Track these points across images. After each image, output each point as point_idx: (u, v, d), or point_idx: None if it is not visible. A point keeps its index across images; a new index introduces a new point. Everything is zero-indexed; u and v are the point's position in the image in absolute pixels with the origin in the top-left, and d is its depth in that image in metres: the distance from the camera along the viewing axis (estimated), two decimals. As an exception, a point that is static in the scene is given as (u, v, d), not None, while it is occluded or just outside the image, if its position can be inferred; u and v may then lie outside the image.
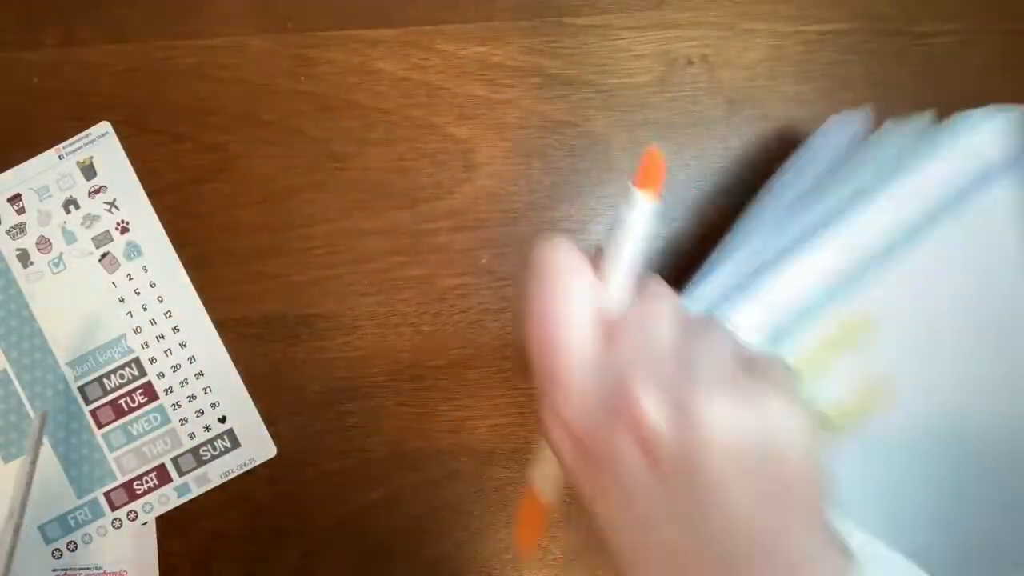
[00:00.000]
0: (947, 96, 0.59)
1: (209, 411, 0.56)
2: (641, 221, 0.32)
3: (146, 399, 0.56)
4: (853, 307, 0.41)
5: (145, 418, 0.56)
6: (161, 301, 0.56)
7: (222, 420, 0.56)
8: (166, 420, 0.56)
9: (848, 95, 0.59)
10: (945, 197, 0.44)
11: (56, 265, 0.55)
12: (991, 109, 0.41)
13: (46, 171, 0.56)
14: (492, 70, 0.58)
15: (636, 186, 0.32)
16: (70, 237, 0.55)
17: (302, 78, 0.57)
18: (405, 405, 0.57)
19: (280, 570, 0.57)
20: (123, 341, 0.56)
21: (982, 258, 0.43)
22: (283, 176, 0.57)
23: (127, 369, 0.56)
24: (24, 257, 0.55)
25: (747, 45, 0.59)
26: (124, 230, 0.56)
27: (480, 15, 0.58)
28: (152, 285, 0.56)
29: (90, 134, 0.56)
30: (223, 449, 0.56)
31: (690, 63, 0.59)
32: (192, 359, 0.56)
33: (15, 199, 0.56)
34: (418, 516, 0.57)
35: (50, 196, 0.56)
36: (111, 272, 0.56)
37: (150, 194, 0.57)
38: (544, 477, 0.35)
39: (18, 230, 0.55)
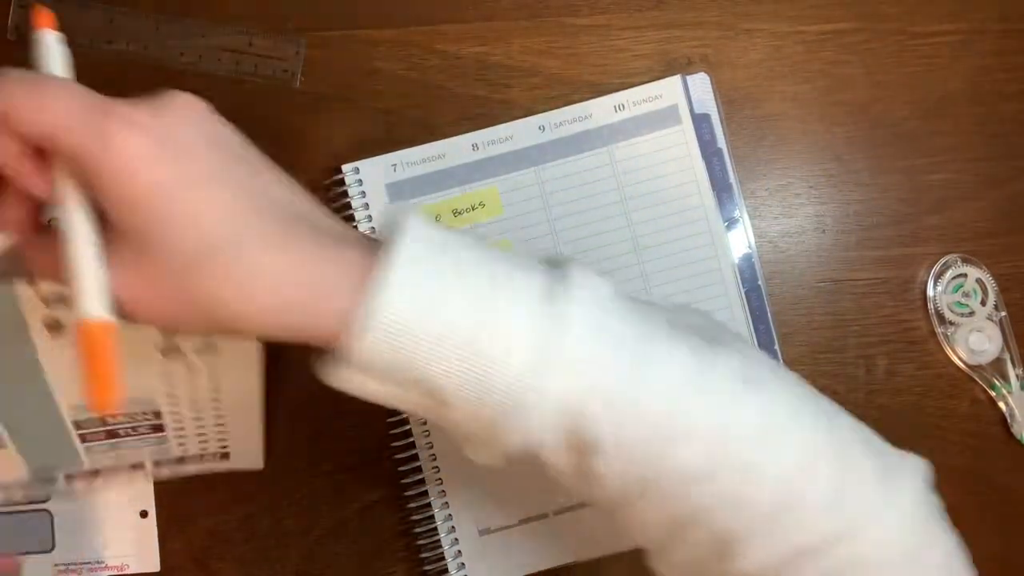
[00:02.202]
0: (947, 96, 0.60)
1: (214, 447, 0.55)
2: (52, 46, 0.37)
3: (150, 432, 0.54)
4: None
5: (140, 441, 0.54)
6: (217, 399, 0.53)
7: (223, 446, 0.55)
8: (163, 442, 0.54)
9: (848, 95, 0.59)
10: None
11: None
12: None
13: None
14: (492, 70, 0.58)
15: (37, 28, 0.37)
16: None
17: (302, 78, 0.57)
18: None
19: (280, 570, 0.57)
20: (153, 399, 0.52)
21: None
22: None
23: (143, 417, 0.53)
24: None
25: (747, 45, 0.59)
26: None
27: (480, 15, 0.58)
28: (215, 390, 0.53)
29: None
30: (214, 459, 0.56)
31: (690, 63, 0.59)
32: (222, 426, 0.54)
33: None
34: (418, 516, 0.57)
35: None
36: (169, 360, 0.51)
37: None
38: (85, 290, 0.35)
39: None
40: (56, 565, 0.57)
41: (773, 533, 0.37)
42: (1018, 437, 0.58)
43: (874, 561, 0.38)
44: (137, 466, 0.55)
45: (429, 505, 0.57)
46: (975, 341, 0.58)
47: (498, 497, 0.57)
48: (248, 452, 0.56)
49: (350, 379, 0.37)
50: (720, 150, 0.58)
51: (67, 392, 0.46)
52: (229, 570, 0.57)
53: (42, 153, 0.35)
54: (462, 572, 0.56)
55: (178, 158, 0.35)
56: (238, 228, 0.35)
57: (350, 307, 0.35)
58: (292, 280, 0.35)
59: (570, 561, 0.57)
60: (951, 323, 0.59)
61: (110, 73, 0.57)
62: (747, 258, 0.58)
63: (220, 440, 0.55)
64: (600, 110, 0.57)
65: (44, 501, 0.56)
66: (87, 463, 0.54)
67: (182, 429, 0.54)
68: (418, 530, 0.57)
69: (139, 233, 0.35)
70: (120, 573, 0.57)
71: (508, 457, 0.38)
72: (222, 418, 0.54)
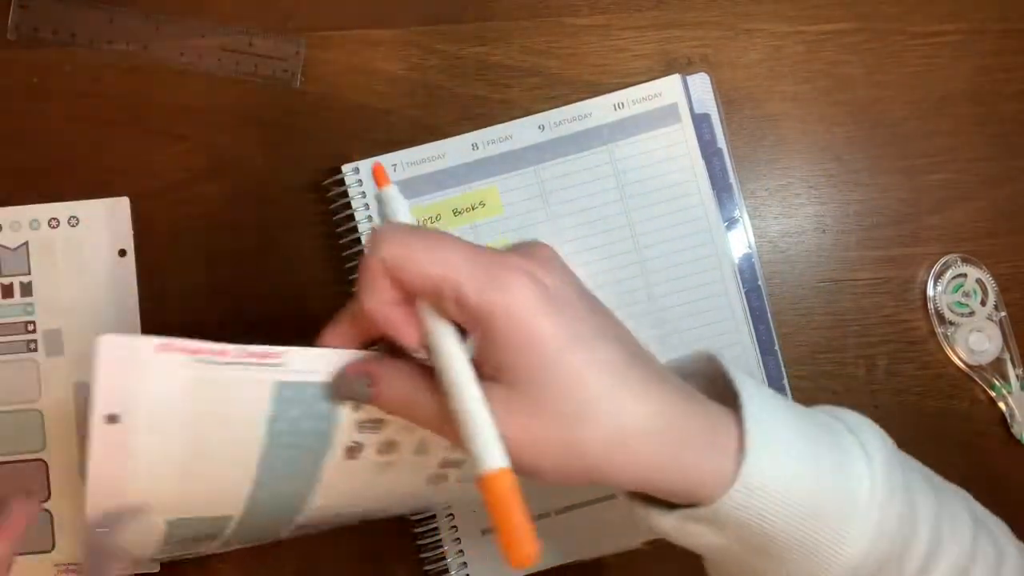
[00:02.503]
0: (947, 96, 0.60)
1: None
2: (399, 199, 0.40)
3: None
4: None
5: None
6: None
7: None
8: None
9: (848, 95, 0.59)
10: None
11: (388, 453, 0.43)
12: None
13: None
14: (492, 70, 0.58)
15: (380, 187, 0.40)
16: (422, 448, 0.43)
17: (302, 78, 0.57)
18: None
19: (280, 570, 0.57)
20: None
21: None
22: (283, 176, 0.57)
23: None
24: (358, 451, 0.42)
25: (747, 45, 0.59)
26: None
27: (480, 15, 0.58)
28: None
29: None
30: None
31: (690, 63, 0.59)
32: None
33: None
34: (418, 517, 0.57)
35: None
36: (435, 484, 0.46)
37: (148, 195, 0.57)
38: (485, 443, 0.35)
39: None
40: (56, 565, 0.57)
41: None
42: (1018, 437, 0.58)
43: None
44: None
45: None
46: (975, 341, 0.58)
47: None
48: None
49: (690, 530, 0.38)
50: (720, 150, 0.58)
51: (316, 505, 0.44)
52: (229, 570, 0.57)
53: (409, 302, 0.36)
54: (464, 572, 0.56)
55: (564, 311, 0.35)
56: (616, 382, 0.36)
57: (719, 467, 0.36)
58: (665, 433, 0.36)
59: (571, 560, 0.57)
60: (951, 323, 0.59)
61: (110, 73, 0.57)
62: (747, 258, 0.58)
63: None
64: (600, 109, 0.57)
65: (44, 501, 0.56)
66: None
67: None
68: (419, 530, 0.57)
69: (527, 383, 0.35)
70: (120, 573, 0.57)
71: None
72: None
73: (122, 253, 0.57)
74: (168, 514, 0.42)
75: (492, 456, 0.34)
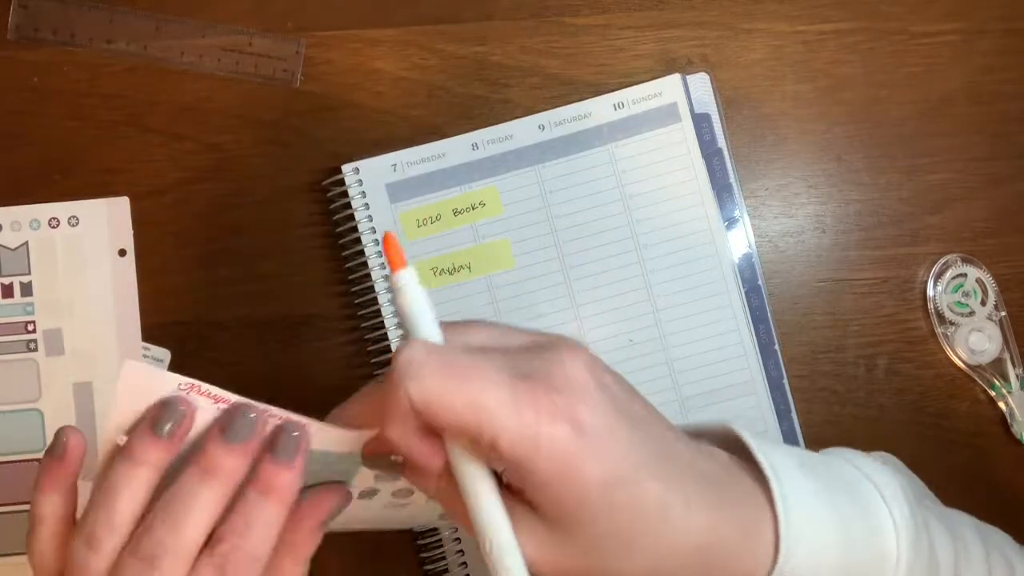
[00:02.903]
0: (947, 96, 0.60)
1: None
2: (414, 287, 0.36)
3: None
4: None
5: None
6: None
7: None
8: None
9: (848, 95, 0.59)
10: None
11: (402, 498, 0.44)
12: None
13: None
14: (492, 70, 0.58)
15: (393, 271, 0.36)
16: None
17: (302, 78, 0.57)
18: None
19: (280, 570, 0.57)
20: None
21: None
22: (283, 176, 0.57)
23: None
24: (373, 495, 0.43)
25: (747, 45, 0.59)
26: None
27: (480, 15, 0.58)
28: None
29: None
30: None
31: (690, 63, 0.59)
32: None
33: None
34: (418, 516, 0.57)
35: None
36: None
37: (148, 195, 0.57)
38: (510, 568, 0.34)
39: None
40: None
41: None
42: (1018, 437, 0.58)
43: None
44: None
45: (429, 505, 0.57)
46: (975, 341, 0.58)
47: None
48: None
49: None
50: (720, 150, 0.58)
51: None
52: (229, 570, 0.57)
53: (435, 433, 0.35)
54: (464, 572, 0.56)
55: (604, 450, 0.34)
56: (660, 516, 0.34)
57: (757, 564, 0.36)
58: (705, 552, 0.35)
59: None
60: (951, 323, 0.59)
61: (110, 73, 0.57)
62: (747, 258, 0.58)
63: None
64: (600, 109, 0.57)
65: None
66: None
67: None
68: (419, 530, 0.57)
69: (567, 522, 0.34)
70: None
71: None
72: None
73: (122, 253, 0.57)
74: None
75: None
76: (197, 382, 0.36)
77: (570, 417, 0.33)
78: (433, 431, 0.34)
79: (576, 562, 0.35)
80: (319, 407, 0.57)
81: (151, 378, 0.36)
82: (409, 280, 0.36)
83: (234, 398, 0.36)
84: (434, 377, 0.33)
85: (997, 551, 0.43)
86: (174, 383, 0.35)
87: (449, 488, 0.35)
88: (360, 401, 0.39)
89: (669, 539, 0.35)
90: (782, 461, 0.38)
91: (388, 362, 0.56)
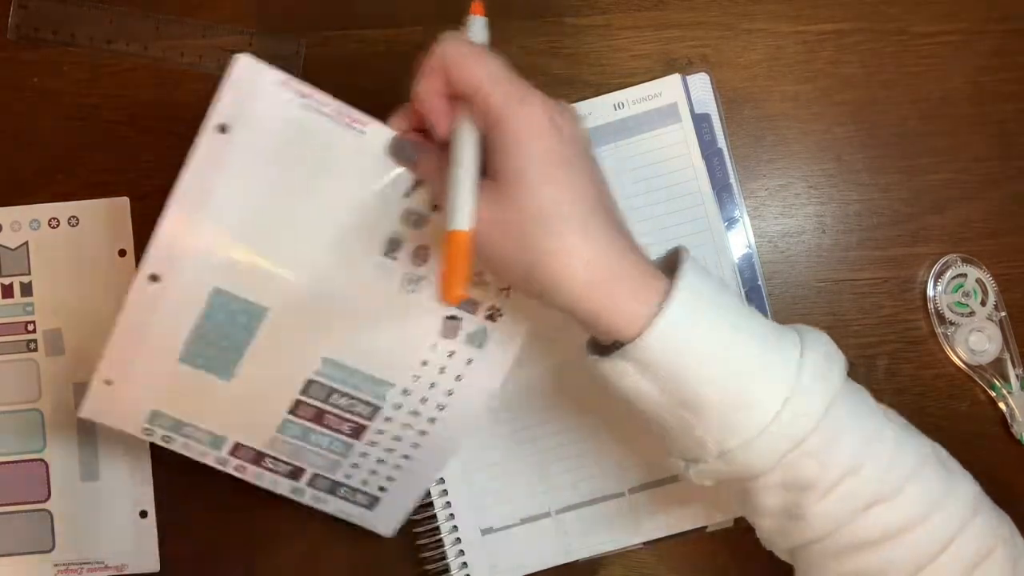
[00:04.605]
0: (947, 96, 0.60)
1: (381, 479, 0.54)
2: (482, 29, 0.47)
3: (349, 433, 0.53)
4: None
5: (330, 439, 0.53)
6: (449, 395, 0.52)
7: (381, 489, 0.55)
8: (343, 454, 0.53)
9: (848, 95, 0.59)
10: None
11: (411, 283, 0.50)
12: None
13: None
14: (492, 70, 0.58)
15: (472, 12, 0.47)
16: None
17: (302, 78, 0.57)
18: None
19: (280, 570, 0.57)
20: (387, 388, 0.52)
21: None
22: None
23: (362, 405, 0.52)
24: (396, 248, 0.49)
25: (747, 45, 0.59)
26: (492, 317, 0.51)
27: (480, 15, 0.58)
28: (458, 378, 0.52)
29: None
30: (359, 503, 0.55)
31: (690, 63, 0.59)
32: (416, 446, 0.53)
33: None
34: (418, 517, 0.57)
35: None
36: (444, 336, 0.51)
37: (149, 195, 0.57)
38: (459, 208, 0.42)
39: (415, 218, 0.50)
40: (56, 565, 0.57)
41: None
42: (1018, 437, 0.58)
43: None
44: (294, 474, 0.54)
45: (431, 504, 0.57)
46: (975, 341, 0.58)
47: (500, 496, 0.57)
48: (396, 510, 0.55)
49: (623, 370, 0.43)
50: (720, 150, 0.58)
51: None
52: (229, 570, 0.57)
53: (451, 98, 0.44)
54: (464, 572, 0.56)
55: (565, 146, 0.43)
56: (581, 211, 0.42)
57: (645, 308, 0.42)
58: (606, 266, 0.42)
59: (572, 560, 0.57)
60: (951, 323, 0.59)
61: (110, 73, 0.57)
62: (747, 258, 0.58)
63: (389, 477, 0.54)
64: (600, 109, 0.57)
65: (44, 501, 0.57)
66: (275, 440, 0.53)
67: (374, 444, 0.53)
68: (419, 530, 0.57)
69: (509, 183, 0.42)
70: (120, 573, 0.57)
71: (717, 479, 0.45)
72: (418, 447, 0.54)
73: (122, 253, 0.57)
74: (218, 277, 0.47)
75: (462, 218, 0.42)
76: (291, 78, 0.46)
77: (552, 115, 0.43)
78: (449, 97, 0.44)
79: (502, 223, 0.42)
80: (319, 407, 0.57)
81: (258, 72, 0.46)
82: (481, 26, 0.47)
83: (318, 94, 0.47)
84: (466, 47, 0.44)
85: (936, 475, 0.45)
86: (276, 77, 0.46)
87: (441, 168, 0.44)
88: (402, 109, 0.47)
89: (577, 237, 0.42)
90: (703, 274, 0.44)
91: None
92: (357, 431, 0.53)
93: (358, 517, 0.55)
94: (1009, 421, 0.58)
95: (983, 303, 0.59)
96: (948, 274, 0.59)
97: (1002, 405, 0.58)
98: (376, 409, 0.52)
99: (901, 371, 0.59)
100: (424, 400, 0.52)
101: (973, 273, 0.59)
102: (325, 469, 0.54)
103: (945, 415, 0.59)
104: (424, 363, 0.52)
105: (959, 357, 0.58)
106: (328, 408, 0.52)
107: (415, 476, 0.55)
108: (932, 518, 0.44)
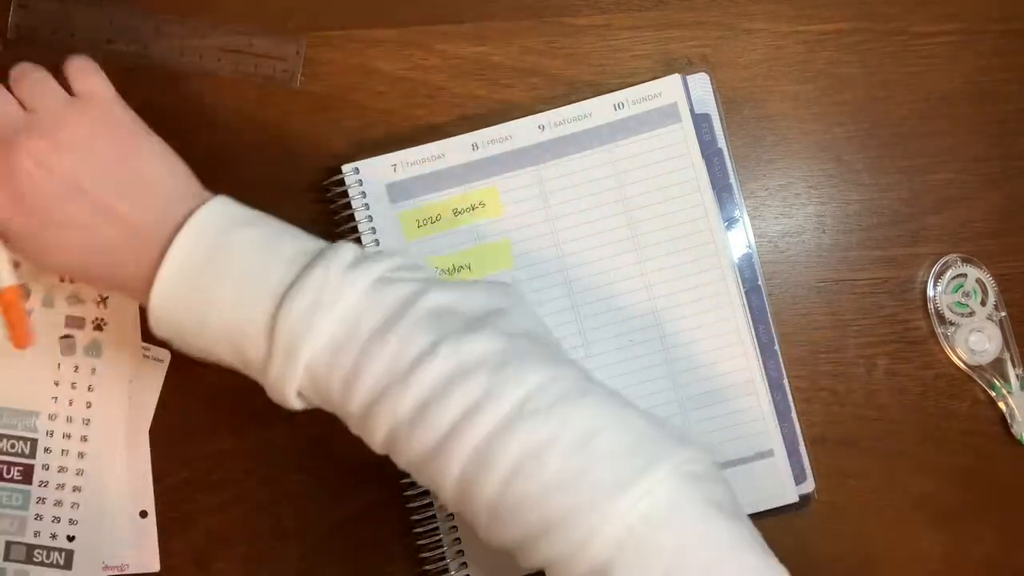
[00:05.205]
0: (947, 96, 0.60)
1: (65, 525, 0.55)
2: None
3: (20, 478, 0.54)
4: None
5: (8, 492, 0.54)
6: (89, 407, 0.55)
7: (70, 539, 0.55)
8: (24, 506, 0.54)
9: (848, 95, 0.59)
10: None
11: None
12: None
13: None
14: (492, 70, 0.58)
15: None
16: (48, 300, 0.55)
17: (302, 78, 0.57)
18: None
19: (280, 570, 0.57)
20: (34, 418, 0.54)
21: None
22: (283, 176, 0.57)
23: (20, 443, 0.54)
24: None
25: (747, 45, 0.59)
26: (99, 327, 0.55)
27: (480, 15, 0.58)
28: (90, 389, 0.55)
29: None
30: (55, 563, 0.55)
31: (690, 63, 0.59)
32: (81, 472, 0.55)
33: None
34: (418, 517, 0.57)
35: None
36: (64, 354, 0.55)
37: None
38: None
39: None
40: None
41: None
42: (1018, 437, 0.58)
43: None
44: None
45: (430, 505, 0.57)
46: (975, 341, 0.58)
47: None
48: (93, 559, 0.55)
49: (157, 328, 0.45)
50: (720, 150, 0.58)
51: None
52: (229, 570, 0.57)
53: None
54: (463, 572, 0.56)
55: (46, 183, 0.46)
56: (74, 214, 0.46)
57: (141, 275, 0.44)
58: (91, 247, 0.46)
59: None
60: (951, 323, 0.59)
61: (110, 73, 0.57)
62: (747, 258, 0.58)
63: (72, 520, 0.55)
64: (600, 109, 0.57)
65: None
66: None
67: (45, 484, 0.54)
68: (418, 530, 0.57)
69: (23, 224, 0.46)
70: (120, 573, 0.57)
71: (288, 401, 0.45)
72: (83, 474, 0.55)
73: (122, 253, 0.57)
74: None
75: (5, 277, 0.49)
76: None
77: (36, 160, 0.45)
78: None
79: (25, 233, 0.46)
80: (318, 408, 0.57)
81: None
82: None
83: None
84: None
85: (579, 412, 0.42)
86: None
87: None
88: None
89: (73, 227, 0.46)
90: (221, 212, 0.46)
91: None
92: (26, 473, 0.54)
93: None
94: (1009, 421, 0.58)
95: (983, 303, 0.59)
96: (948, 274, 0.59)
97: (1002, 405, 0.58)
98: (34, 442, 0.54)
99: (901, 371, 0.59)
100: (70, 419, 0.55)
101: (973, 273, 0.59)
102: (15, 532, 0.54)
103: (945, 415, 0.59)
104: (56, 383, 0.54)
105: (959, 357, 0.58)
106: None
107: (95, 511, 0.55)
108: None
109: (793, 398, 0.57)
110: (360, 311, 0.42)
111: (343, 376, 0.42)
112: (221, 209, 0.46)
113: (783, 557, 0.47)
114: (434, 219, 0.57)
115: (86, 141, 0.47)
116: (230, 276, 0.43)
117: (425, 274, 0.45)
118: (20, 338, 0.50)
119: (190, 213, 0.45)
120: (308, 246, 0.45)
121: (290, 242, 0.45)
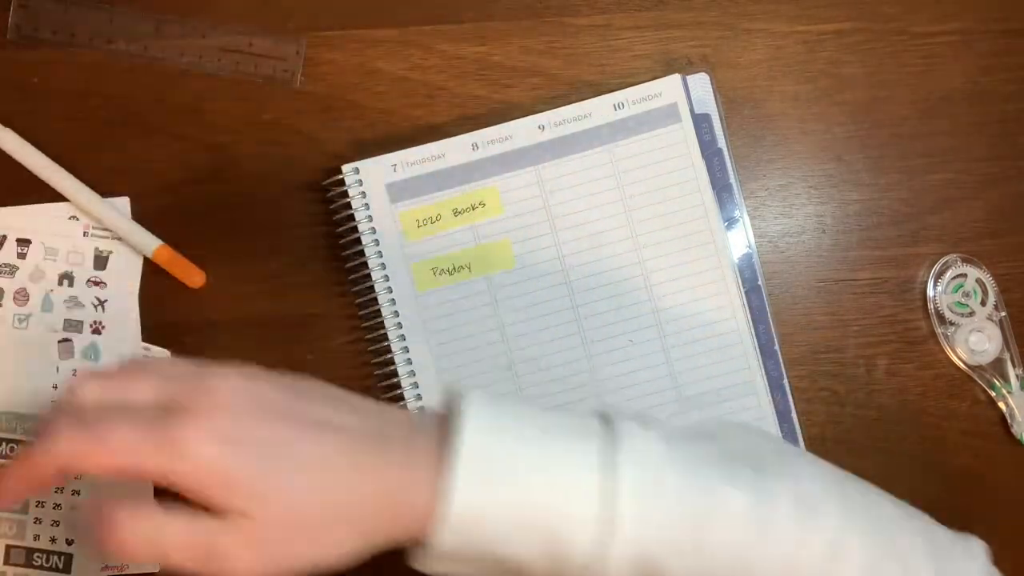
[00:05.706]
0: (947, 96, 0.60)
1: (64, 529, 0.54)
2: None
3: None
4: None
5: None
6: None
7: (68, 542, 0.55)
8: (23, 510, 0.54)
9: (848, 95, 0.59)
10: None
11: (20, 321, 0.55)
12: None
13: (67, 236, 0.56)
14: (492, 70, 0.58)
15: None
16: (47, 305, 0.55)
17: (302, 78, 0.57)
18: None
19: (280, 570, 0.57)
20: (33, 421, 0.54)
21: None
22: (283, 176, 0.57)
23: (19, 446, 0.54)
24: None
25: (747, 45, 0.59)
26: (97, 331, 0.56)
27: (480, 15, 0.58)
28: None
29: (119, 238, 0.56)
30: (54, 567, 0.55)
31: (690, 63, 0.59)
32: (79, 475, 0.53)
33: (24, 242, 0.56)
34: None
35: (55, 260, 0.56)
36: (63, 358, 0.55)
37: (148, 195, 0.57)
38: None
39: (8, 270, 0.55)
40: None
41: None
42: (1018, 437, 0.58)
43: None
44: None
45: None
46: (975, 341, 0.58)
47: None
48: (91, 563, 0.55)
49: (439, 567, 0.39)
50: (720, 150, 0.58)
51: None
52: (229, 570, 0.57)
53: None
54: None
55: (248, 449, 0.37)
56: (310, 502, 0.38)
57: (425, 508, 0.38)
58: (369, 514, 0.38)
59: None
60: (951, 323, 0.59)
61: (110, 73, 0.57)
62: (747, 258, 0.58)
63: (70, 523, 0.55)
64: (600, 109, 0.57)
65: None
66: None
67: None
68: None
69: (240, 517, 0.37)
70: (120, 573, 0.57)
71: None
72: (79, 475, 0.54)
73: (122, 253, 0.57)
74: None
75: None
76: None
77: (209, 429, 0.37)
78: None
79: (261, 552, 0.37)
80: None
81: None
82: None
83: None
84: (74, 432, 0.37)
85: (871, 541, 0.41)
86: None
87: None
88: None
89: (332, 529, 0.38)
90: (484, 410, 0.39)
91: (389, 362, 0.56)
92: None
93: None
94: (1009, 421, 0.58)
95: (983, 303, 0.59)
96: (948, 274, 0.59)
97: (1002, 405, 0.58)
98: None
99: (901, 371, 0.59)
100: None
101: (973, 273, 0.59)
102: (14, 536, 0.54)
103: (945, 415, 0.59)
104: (55, 387, 0.55)
105: (959, 357, 0.58)
106: None
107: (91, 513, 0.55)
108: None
109: (793, 398, 0.57)
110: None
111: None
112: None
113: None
114: (434, 219, 0.57)
115: (243, 388, 0.40)
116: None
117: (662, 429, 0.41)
118: (194, 280, 0.54)
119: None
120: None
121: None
